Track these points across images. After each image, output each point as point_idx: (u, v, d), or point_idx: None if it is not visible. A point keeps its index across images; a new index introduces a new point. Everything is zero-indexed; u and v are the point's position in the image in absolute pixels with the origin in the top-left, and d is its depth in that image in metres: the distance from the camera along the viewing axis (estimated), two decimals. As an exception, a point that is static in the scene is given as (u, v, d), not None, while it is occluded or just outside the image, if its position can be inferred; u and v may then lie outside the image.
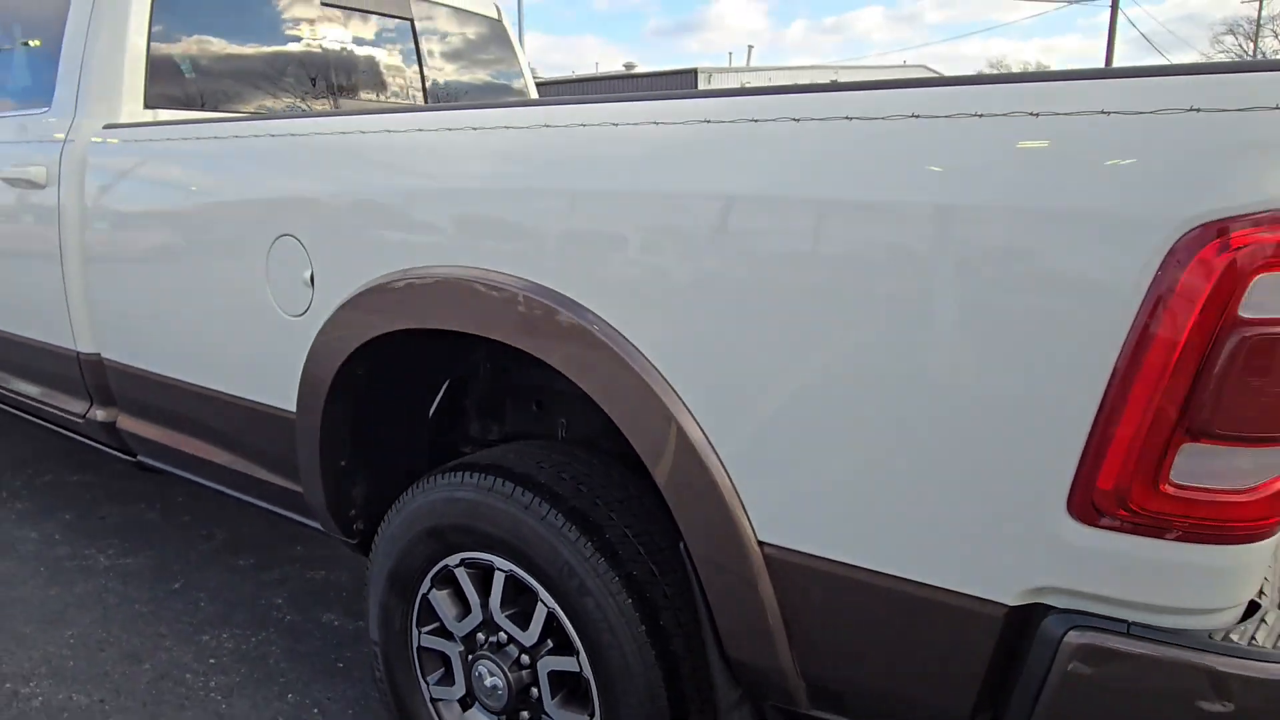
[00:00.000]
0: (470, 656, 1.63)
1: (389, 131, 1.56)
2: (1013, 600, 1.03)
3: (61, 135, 2.27)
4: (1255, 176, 0.87)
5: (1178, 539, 0.94)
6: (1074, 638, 0.99)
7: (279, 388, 1.80)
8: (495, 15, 3.35)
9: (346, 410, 1.74)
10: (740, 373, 1.18)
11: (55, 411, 2.56)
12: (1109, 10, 27.80)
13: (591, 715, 1.49)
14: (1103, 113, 0.93)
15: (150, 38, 2.33)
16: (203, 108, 2.47)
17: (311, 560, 2.87)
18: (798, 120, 1.12)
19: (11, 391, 2.73)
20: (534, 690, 1.56)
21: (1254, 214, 0.86)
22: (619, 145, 1.30)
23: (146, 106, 2.32)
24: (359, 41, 2.87)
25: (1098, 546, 0.97)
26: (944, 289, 1.01)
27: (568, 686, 1.53)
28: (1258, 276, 0.86)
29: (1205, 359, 0.88)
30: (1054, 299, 0.95)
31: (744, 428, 1.20)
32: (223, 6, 2.52)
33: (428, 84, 3.06)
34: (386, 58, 2.95)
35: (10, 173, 2.43)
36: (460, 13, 3.19)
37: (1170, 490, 0.92)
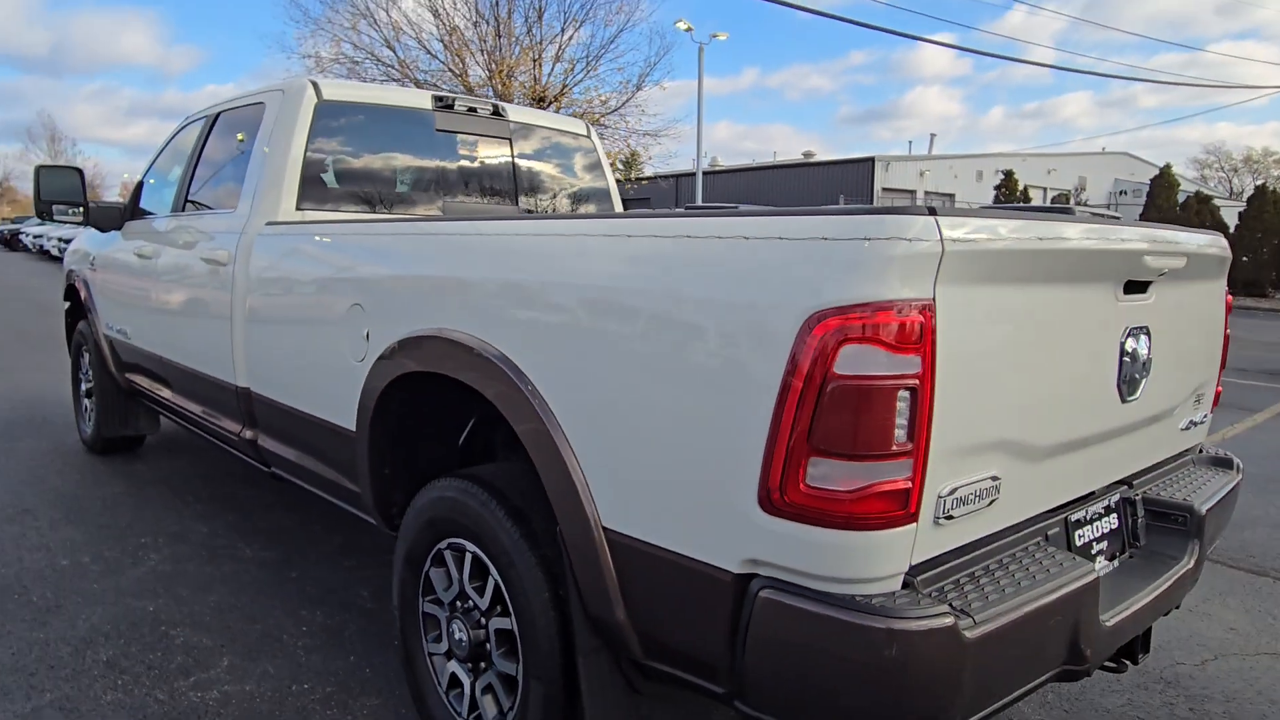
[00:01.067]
0: (449, 618, 2.19)
1: (400, 235, 2.24)
2: (735, 568, 1.48)
3: (239, 228, 3.15)
4: (851, 282, 1.32)
5: (817, 525, 1.37)
6: (763, 595, 1.43)
7: (348, 412, 2.48)
8: (584, 132, 4.08)
9: (387, 431, 2.39)
10: (588, 409, 1.72)
11: (220, 430, 3.41)
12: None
13: (518, 662, 2.00)
14: (780, 239, 1.42)
15: (306, 155, 3.18)
16: (339, 207, 3.29)
17: (397, 566, 3.54)
18: (619, 236, 1.66)
19: (196, 414, 3.63)
20: (487, 645, 2.10)
21: (845, 305, 1.32)
22: (529, 250, 1.90)
23: (298, 207, 3.16)
24: (466, 157, 3.66)
25: (777, 529, 1.41)
26: (688, 353, 1.51)
27: (510, 643, 2.05)
28: (845, 346, 1.31)
29: (818, 399, 1.33)
30: (749, 359, 1.43)
31: (593, 447, 1.72)
32: (358, 132, 3.37)
33: (521, 189, 3.80)
34: (487, 169, 3.72)
35: (207, 254, 3.35)
36: (552, 130, 3.94)
37: (806, 489, 1.36)
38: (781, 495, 1.39)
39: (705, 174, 38.27)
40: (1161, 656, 2.98)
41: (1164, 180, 23.00)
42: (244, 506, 4.24)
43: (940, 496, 1.43)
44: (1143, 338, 1.88)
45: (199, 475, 4.74)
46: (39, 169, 4.15)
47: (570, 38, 20.21)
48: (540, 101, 19.52)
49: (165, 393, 4.01)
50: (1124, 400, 1.86)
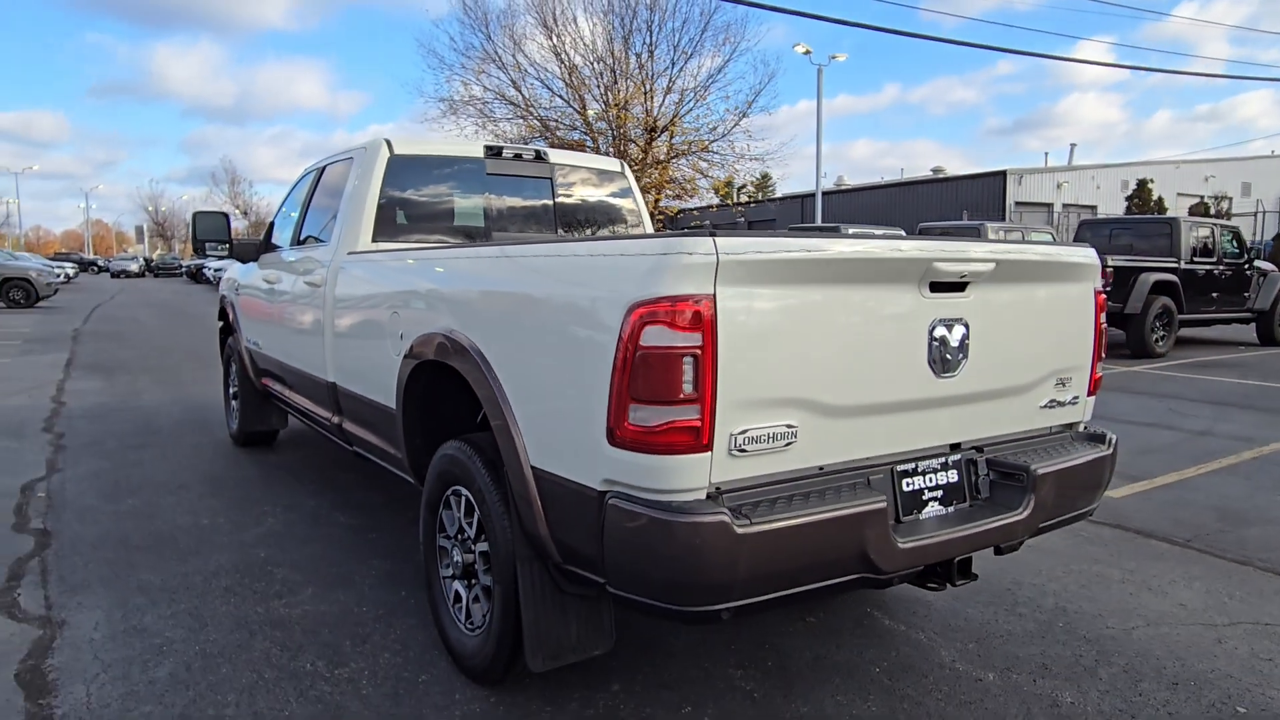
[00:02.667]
0: (453, 547, 2.90)
1: (411, 260, 2.99)
2: (598, 486, 2.10)
3: (329, 258, 4.02)
4: (655, 283, 1.94)
5: (641, 453, 1.97)
6: (610, 502, 2.05)
7: (392, 395, 3.25)
8: (618, 169, 4.77)
9: (415, 410, 3.14)
10: (521, 379, 2.39)
11: (320, 418, 4.29)
12: None
13: (491, 574, 2.67)
14: (621, 255, 2.06)
15: (380, 199, 4.02)
16: (407, 240, 4.11)
17: (454, 531, 4.30)
18: (530, 256, 2.34)
19: (304, 406, 4.54)
20: (475, 565, 2.79)
21: (649, 299, 1.93)
22: (487, 267, 2.60)
23: (373, 240, 3.99)
24: (514, 195, 4.42)
25: (618, 457, 2.03)
26: (570, 335, 2.16)
27: (488, 561, 2.72)
28: (647, 326, 1.92)
29: (634, 364, 1.95)
30: (600, 337, 2.06)
31: (524, 406, 2.38)
32: (424, 178, 4.19)
33: (560, 221, 4.54)
34: (532, 205, 4.48)
35: (310, 279, 4.26)
36: (589, 169, 4.66)
37: (631, 427, 1.98)
38: (618, 432, 2.01)
39: (832, 193, 38.15)
40: (1094, 622, 3.33)
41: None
42: (344, 487, 5.14)
43: (733, 434, 2.00)
44: (957, 328, 2.36)
45: (313, 464, 5.71)
46: (195, 214, 5.22)
47: (680, 69, 21.13)
48: (652, 132, 20.51)
49: (285, 391, 4.96)
50: (939, 376, 2.35)
